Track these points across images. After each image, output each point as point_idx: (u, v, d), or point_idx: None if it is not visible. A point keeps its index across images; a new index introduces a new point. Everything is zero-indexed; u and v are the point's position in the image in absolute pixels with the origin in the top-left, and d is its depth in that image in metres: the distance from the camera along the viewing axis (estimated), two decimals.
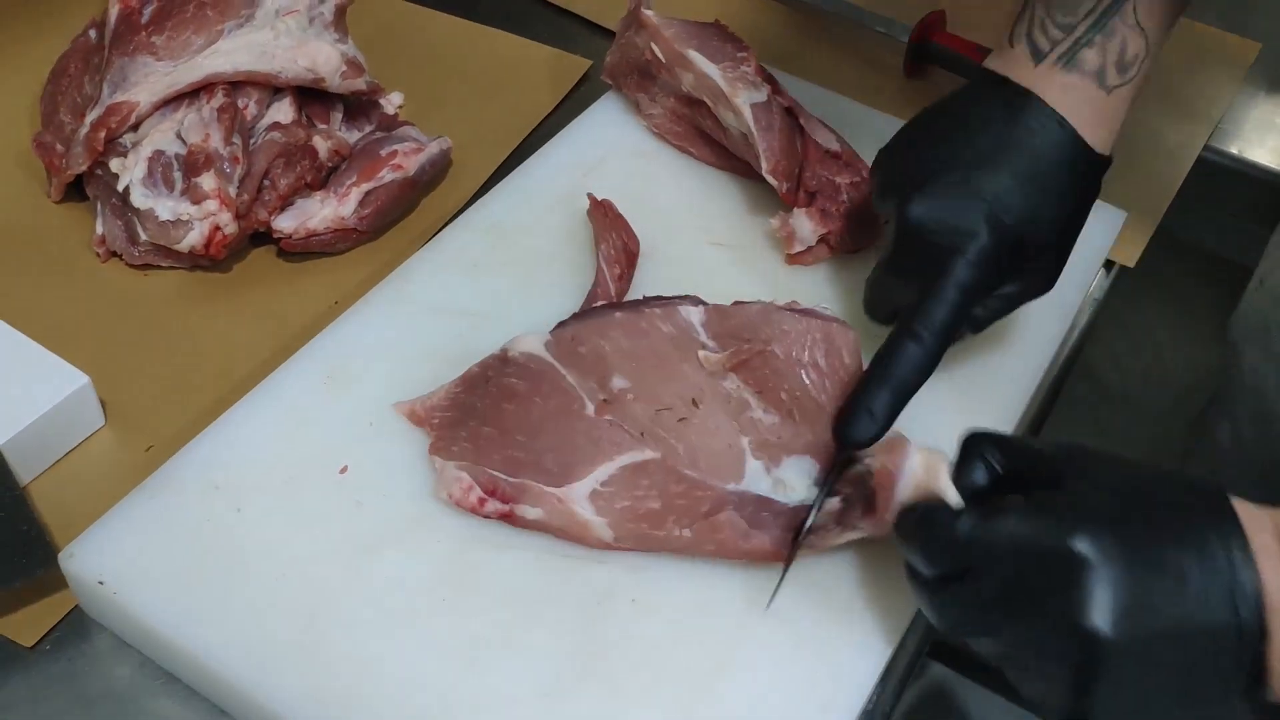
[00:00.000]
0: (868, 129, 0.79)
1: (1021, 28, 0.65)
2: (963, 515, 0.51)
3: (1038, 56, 0.64)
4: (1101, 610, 0.46)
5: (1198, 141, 0.92)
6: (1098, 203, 0.67)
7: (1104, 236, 0.78)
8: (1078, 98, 0.63)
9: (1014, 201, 0.62)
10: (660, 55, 0.77)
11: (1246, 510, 0.49)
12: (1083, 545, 0.47)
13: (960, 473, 0.55)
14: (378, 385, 0.65)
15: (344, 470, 0.61)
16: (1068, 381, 0.75)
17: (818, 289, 0.73)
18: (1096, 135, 0.64)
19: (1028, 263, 0.64)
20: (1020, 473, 0.54)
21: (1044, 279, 0.66)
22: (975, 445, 0.55)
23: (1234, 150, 0.94)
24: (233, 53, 0.75)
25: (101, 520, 0.58)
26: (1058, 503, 0.50)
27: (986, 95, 0.65)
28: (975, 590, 0.50)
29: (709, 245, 0.73)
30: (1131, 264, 0.82)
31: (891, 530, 0.55)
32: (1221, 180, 0.94)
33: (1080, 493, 0.50)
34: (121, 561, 0.57)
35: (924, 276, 0.62)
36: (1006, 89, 0.64)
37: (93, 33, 0.81)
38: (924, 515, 0.53)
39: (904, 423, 0.59)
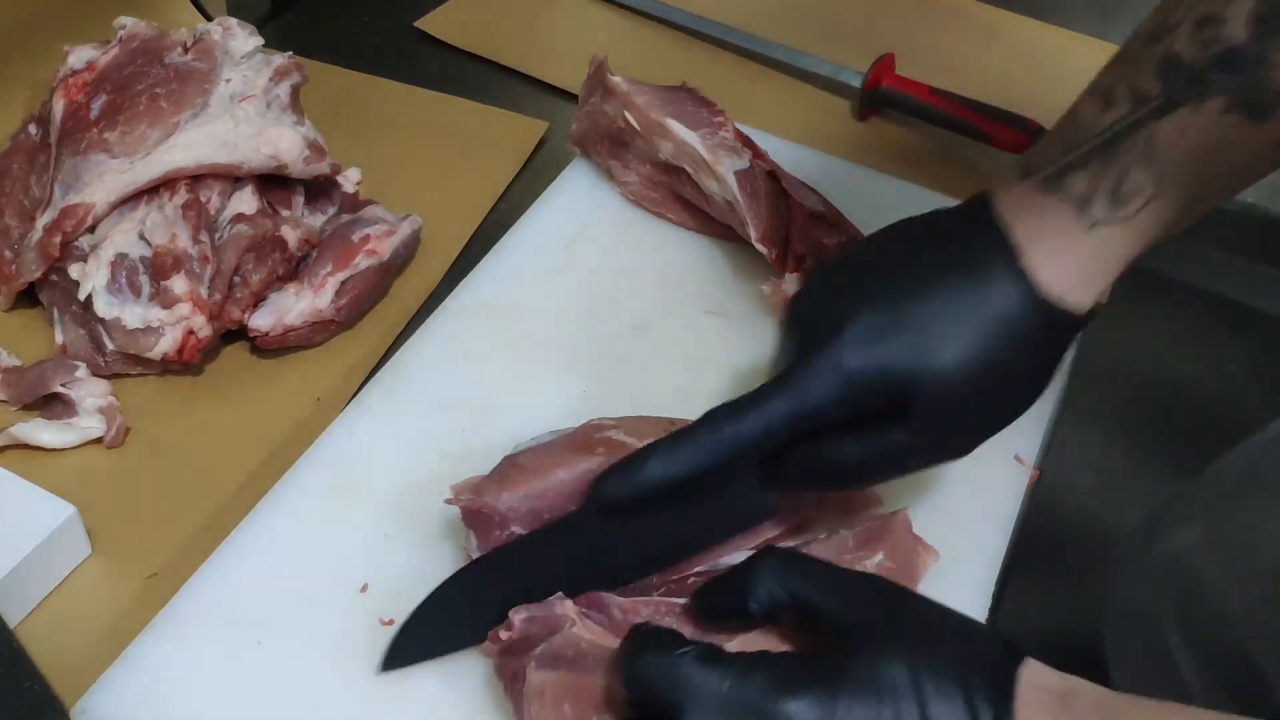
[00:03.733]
0: (823, 174, 0.78)
1: (1038, 143, 0.54)
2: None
3: (1025, 172, 0.53)
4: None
5: None
6: None
7: None
8: (1048, 226, 0.51)
9: (898, 334, 0.51)
10: (635, 124, 0.75)
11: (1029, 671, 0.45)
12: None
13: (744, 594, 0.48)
14: (387, 492, 0.62)
15: (365, 589, 0.58)
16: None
17: None
18: (1063, 277, 0.51)
19: (919, 411, 0.51)
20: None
21: (942, 441, 0.53)
22: (763, 568, 0.48)
23: None
24: (192, 145, 0.71)
25: (113, 669, 0.54)
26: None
27: (952, 212, 0.55)
28: None
29: (705, 315, 0.72)
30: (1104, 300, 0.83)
31: None
32: None
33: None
34: (141, 715, 0.53)
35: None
36: (970, 203, 0.54)
37: (33, 128, 0.76)
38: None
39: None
